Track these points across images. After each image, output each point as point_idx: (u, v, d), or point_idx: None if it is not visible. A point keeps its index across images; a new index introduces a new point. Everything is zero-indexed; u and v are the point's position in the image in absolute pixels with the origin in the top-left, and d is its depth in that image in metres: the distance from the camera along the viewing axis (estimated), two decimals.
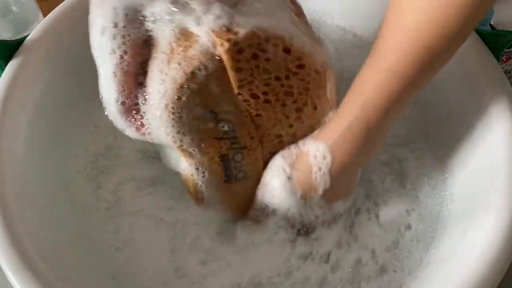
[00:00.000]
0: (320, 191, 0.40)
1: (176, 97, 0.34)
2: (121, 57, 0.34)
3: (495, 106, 0.44)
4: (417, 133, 0.51)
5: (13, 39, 0.49)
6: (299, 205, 0.41)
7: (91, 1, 0.35)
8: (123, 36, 0.34)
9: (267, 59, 0.35)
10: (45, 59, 0.49)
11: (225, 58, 0.34)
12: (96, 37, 0.35)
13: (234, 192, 0.42)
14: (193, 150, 0.38)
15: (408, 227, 0.46)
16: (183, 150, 0.38)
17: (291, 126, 0.39)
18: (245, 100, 0.37)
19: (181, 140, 0.36)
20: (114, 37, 0.34)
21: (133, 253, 0.45)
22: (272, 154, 0.41)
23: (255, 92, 0.36)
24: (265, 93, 0.37)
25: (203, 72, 0.34)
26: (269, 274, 0.44)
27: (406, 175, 0.49)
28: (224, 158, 0.39)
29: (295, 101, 0.38)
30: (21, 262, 0.37)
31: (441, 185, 0.47)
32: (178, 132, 0.36)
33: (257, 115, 0.38)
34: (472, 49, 0.48)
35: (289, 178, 0.40)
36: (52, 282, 0.38)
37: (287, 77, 0.36)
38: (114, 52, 0.34)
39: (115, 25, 0.34)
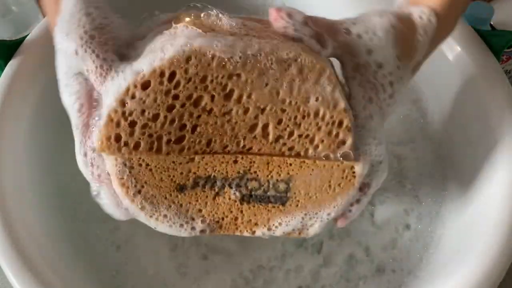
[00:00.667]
0: (417, 55, 0.37)
1: (125, 193, 0.34)
2: (79, 110, 0.35)
3: (495, 106, 0.44)
4: (417, 132, 0.51)
5: (13, 39, 0.49)
6: (393, 60, 0.36)
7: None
8: (75, 92, 0.35)
9: (154, 100, 0.32)
10: (45, 59, 0.48)
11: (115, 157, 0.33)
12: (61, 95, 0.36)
13: (306, 194, 0.36)
14: (212, 227, 0.35)
15: (407, 227, 0.46)
16: (211, 233, 0.35)
17: (249, 95, 0.33)
18: (189, 148, 0.33)
19: (193, 229, 0.35)
20: (70, 94, 0.35)
21: (134, 252, 0.45)
22: (283, 132, 0.34)
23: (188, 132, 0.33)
24: (195, 127, 0.33)
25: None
26: (267, 258, 0.45)
27: (405, 175, 0.49)
28: (245, 200, 0.35)
29: (230, 93, 0.33)
30: (21, 262, 0.37)
31: (441, 184, 0.47)
32: (175, 224, 0.35)
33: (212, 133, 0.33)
34: (472, 49, 0.48)
35: (393, 26, 0.36)
36: (52, 282, 0.38)
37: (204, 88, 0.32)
38: (73, 107, 0.35)
39: (67, 85, 0.35)
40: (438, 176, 0.48)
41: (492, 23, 0.63)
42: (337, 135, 0.35)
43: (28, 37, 0.48)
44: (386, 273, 0.44)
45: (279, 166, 0.35)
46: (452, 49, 0.49)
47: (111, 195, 0.35)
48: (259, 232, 0.36)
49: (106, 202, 0.35)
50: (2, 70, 0.46)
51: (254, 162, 0.34)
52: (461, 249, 0.40)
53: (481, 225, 0.39)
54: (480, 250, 0.37)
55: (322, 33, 0.34)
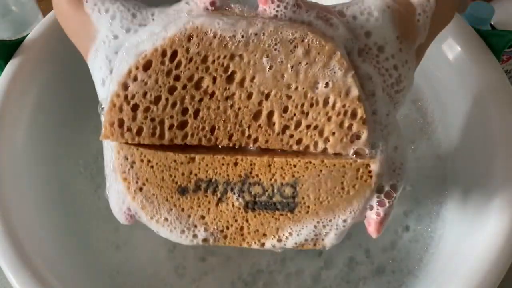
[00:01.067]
0: (418, 37, 0.35)
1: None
2: None
3: (495, 106, 0.44)
4: (417, 131, 0.51)
5: (13, 39, 0.49)
6: (393, 42, 0.34)
7: (88, 61, 0.36)
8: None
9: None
10: (45, 59, 0.48)
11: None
12: (99, 90, 0.35)
13: (316, 199, 0.33)
14: (215, 237, 0.34)
15: (406, 228, 0.46)
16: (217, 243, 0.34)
17: (252, 79, 0.32)
18: (192, 135, 0.32)
19: (195, 236, 0.33)
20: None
21: (133, 252, 0.45)
22: (290, 122, 0.32)
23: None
24: (197, 111, 0.32)
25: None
26: (267, 261, 0.44)
27: (406, 176, 0.49)
28: (250, 207, 0.33)
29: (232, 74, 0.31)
30: (21, 262, 0.37)
31: (441, 185, 0.47)
32: (175, 229, 0.34)
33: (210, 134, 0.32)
34: (472, 49, 0.48)
35: (388, 6, 0.34)
36: (52, 283, 0.38)
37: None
38: None
39: (111, 71, 0.34)
40: (438, 177, 0.48)
41: (492, 23, 0.63)
42: (350, 127, 0.31)
43: (28, 37, 0.48)
44: (386, 274, 0.44)
45: (282, 168, 0.33)
46: (452, 49, 0.49)
47: (117, 194, 0.34)
48: (268, 244, 0.34)
49: (111, 199, 0.35)
50: (2, 70, 0.46)
51: (254, 164, 0.33)
52: (461, 249, 0.40)
53: (481, 225, 0.39)
54: (480, 250, 0.37)
55: (326, 14, 0.33)
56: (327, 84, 0.31)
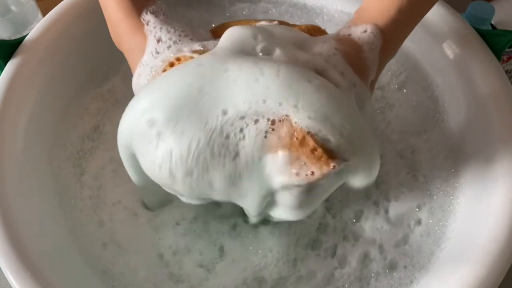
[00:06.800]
0: (370, 73, 0.37)
1: None
2: None
3: (496, 106, 0.45)
4: (429, 120, 0.50)
5: (12, 38, 0.49)
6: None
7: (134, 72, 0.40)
8: None
9: None
10: (44, 59, 0.48)
11: None
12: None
13: None
14: None
15: (418, 222, 0.45)
16: None
17: None
18: None
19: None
20: None
21: (119, 251, 0.44)
22: None
23: None
24: None
25: None
26: (275, 264, 0.43)
27: (419, 167, 0.48)
28: None
29: None
30: (20, 262, 0.37)
31: (453, 176, 0.47)
32: None
33: None
34: (473, 49, 0.48)
35: (337, 49, 0.36)
36: (52, 283, 0.38)
37: None
38: None
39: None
40: (450, 168, 0.47)
41: (492, 22, 0.63)
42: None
43: (27, 36, 0.48)
44: (398, 269, 0.43)
45: None
46: (452, 48, 0.49)
47: None
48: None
49: None
50: (2, 70, 0.46)
51: None
52: (471, 243, 0.40)
53: (491, 218, 0.39)
54: (489, 244, 0.38)
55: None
56: None
